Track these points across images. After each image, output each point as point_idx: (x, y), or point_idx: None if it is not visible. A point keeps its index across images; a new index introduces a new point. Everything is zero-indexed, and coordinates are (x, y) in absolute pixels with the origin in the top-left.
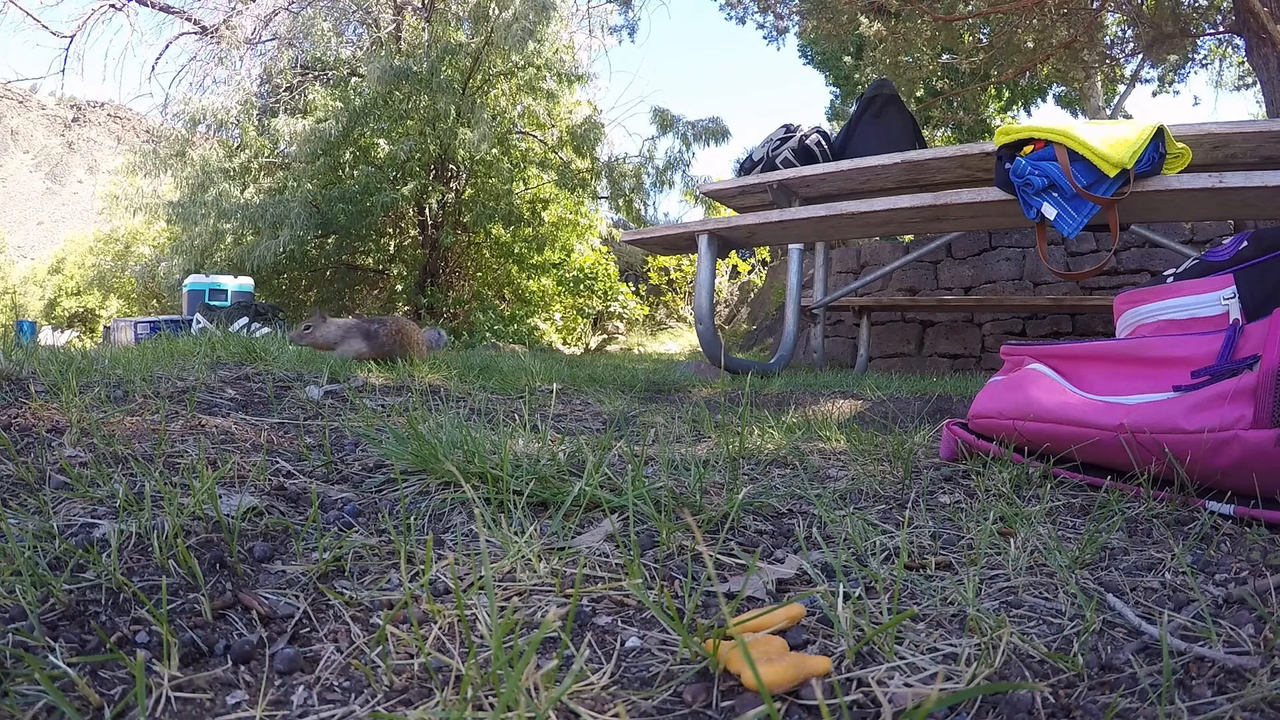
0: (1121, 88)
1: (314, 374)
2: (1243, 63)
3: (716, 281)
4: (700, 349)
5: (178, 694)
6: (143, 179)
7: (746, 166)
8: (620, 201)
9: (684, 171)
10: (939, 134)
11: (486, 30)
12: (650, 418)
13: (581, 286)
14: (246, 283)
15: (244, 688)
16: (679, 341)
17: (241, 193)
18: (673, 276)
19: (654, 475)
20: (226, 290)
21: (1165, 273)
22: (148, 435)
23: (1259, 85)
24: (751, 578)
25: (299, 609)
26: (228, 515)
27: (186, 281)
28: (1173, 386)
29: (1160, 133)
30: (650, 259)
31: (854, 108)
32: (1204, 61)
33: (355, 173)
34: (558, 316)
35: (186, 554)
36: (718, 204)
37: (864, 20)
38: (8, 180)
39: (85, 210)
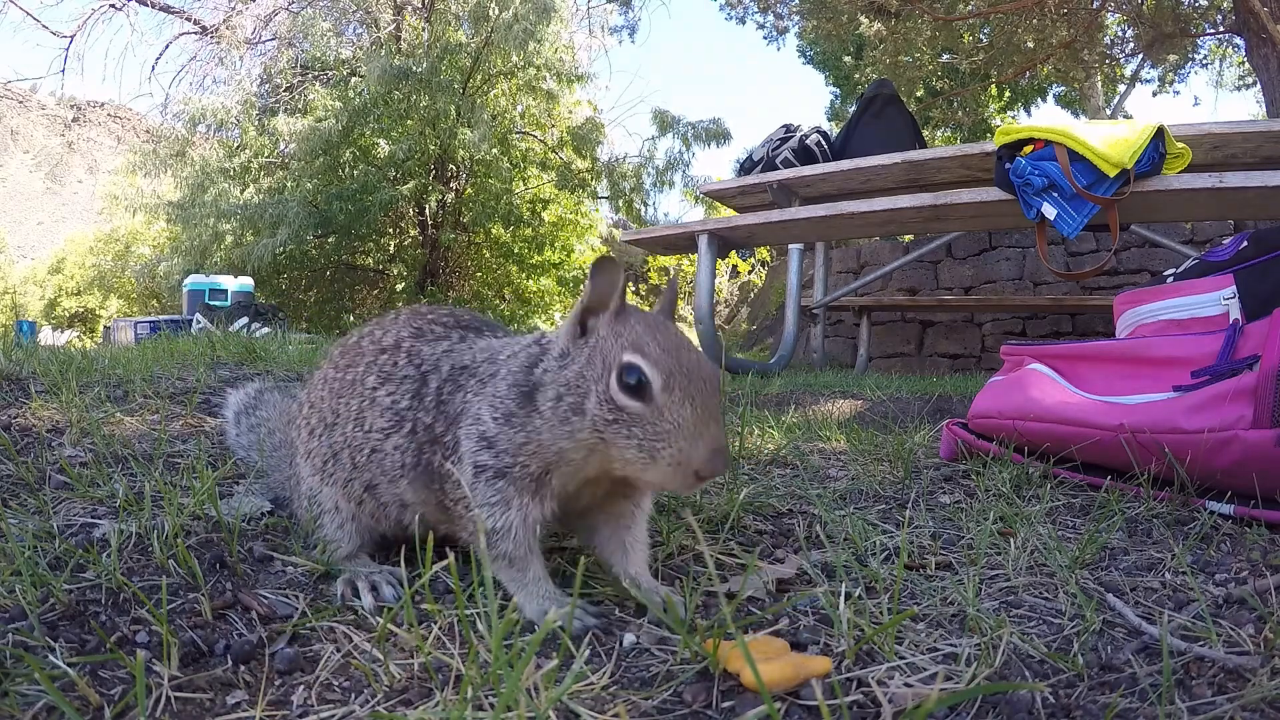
0: (1121, 88)
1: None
2: (1243, 63)
3: (716, 281)
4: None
5: (178, 694)
6: (143, 179)
7: (746, 166)
8: (620, 201)
9: (684, 172)
10: (939, 134)
11: (486, 30)
12: None
13: (581, 287)
14: (246, 283)
15: (244, 688)
16: None
17: (241, 192)
18: (673, 276)
19: None
20: (226, 290)
21: (1165, 273)
22: (148, 435)
23: (1259, 85)
24: (751, 577)
25: (299, 609)
26: (227, 515)
27: (186, 281)
28: (1173, 386)
29: (1160, 133)
30: (650, 259)
31: (854, 108)
32: (1204, 61)
33: (355, 172)
34: (558, 316)
35: (186, 554)
36: (718, 204)
37: (864, 20)
38: (8, 180)
39: (85, 210)
